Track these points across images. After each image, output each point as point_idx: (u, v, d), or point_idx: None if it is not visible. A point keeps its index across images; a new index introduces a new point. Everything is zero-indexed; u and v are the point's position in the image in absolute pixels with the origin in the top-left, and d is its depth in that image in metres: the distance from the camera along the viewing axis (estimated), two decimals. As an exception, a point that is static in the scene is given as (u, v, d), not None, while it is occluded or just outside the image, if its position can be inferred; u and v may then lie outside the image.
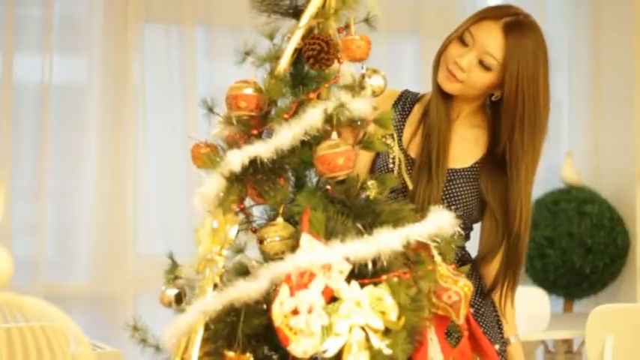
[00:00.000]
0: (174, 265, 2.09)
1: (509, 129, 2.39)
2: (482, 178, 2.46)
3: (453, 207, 2.41)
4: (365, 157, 2.42)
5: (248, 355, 1.86)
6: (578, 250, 5.03)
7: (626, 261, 5.15)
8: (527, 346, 4.57)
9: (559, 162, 5.31)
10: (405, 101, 2.52)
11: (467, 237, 2.50)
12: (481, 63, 2.38)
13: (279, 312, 1.79)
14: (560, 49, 5.47)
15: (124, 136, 4.67)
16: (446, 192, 2.43)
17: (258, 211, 2.06)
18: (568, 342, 4.60)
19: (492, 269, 2.50)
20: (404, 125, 2.48)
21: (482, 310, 2.49)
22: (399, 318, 1.82)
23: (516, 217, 2.41)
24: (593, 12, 5.38)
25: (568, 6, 5.45)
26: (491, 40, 2.38)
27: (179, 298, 2.06)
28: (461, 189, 2.44)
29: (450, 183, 2.43)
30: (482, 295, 2.51)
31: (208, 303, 1.89)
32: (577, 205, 5.09)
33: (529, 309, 4.62)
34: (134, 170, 4.69)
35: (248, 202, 2.04)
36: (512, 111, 2.38)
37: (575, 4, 5.42)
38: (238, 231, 2.00)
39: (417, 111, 2.50)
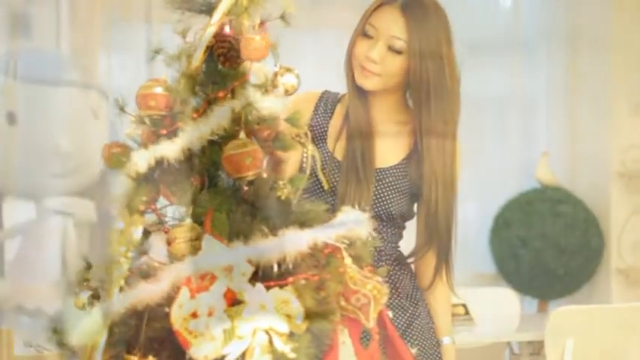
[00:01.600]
0: (88, 267, 2.05)
1: (418, 105, 2.38)
2: (416, 172, 2.43)
3: (384, 207, 2.38)
4: (292, 158, 2.38)
5: (150, 358, 1.82)
6: (552, 251, 4.98)
7: (601, 262, 5.10)
8: (496, 347, 4.53)
9: (534, 162, 5.27)
10: (327, 102, 2.49)
11: (400, 236, 2.47)
12: (391, 49, 2.37)
13: (177, 315, 1.75)
14: (538, 48, 5.43)
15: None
16: (375, 192, 2.40)
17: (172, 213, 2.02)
18: (539, 343, 4.54)
19: (425, 265, 2.48)
20: (328, 127, 2.45)
21: (419, 310, 2.46)
22: (304, 321, 1.79)
23: (431, 189, 2.38)
24: (570, 11, 5.34)
25: (545, 5, 5.41)
26: (393, 23, 2.37)
27: (91, 301, 2.02)
28: (390, 188, 2.41)
29: (379, 183, 2.40)
30: (417, 295, 2.47)
31: (112, 306, 1.85)
32: (551, 206, 5.04)
33: (499, 310, 4.58)
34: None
35: (162, 202, 2.00)
36: (418, 86, 2.37)
37: (553, 3, 5.38)
38: (149, 232, 1.98)
39: (339, 112, 2.47)
